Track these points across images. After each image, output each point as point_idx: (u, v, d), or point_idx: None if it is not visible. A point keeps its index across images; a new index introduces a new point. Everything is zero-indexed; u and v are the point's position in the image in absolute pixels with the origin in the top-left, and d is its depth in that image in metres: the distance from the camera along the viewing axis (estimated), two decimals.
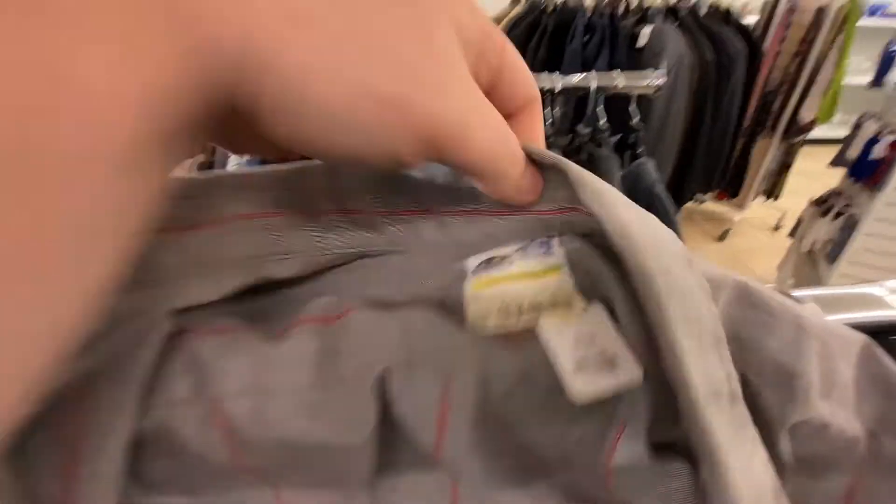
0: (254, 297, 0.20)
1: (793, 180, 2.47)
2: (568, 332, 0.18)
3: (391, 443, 0.19)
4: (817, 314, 0.19)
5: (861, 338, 0.19)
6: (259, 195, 0.19)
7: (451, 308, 0.19)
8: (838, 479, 0.19)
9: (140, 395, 0.16)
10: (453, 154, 0.15)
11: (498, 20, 1.71)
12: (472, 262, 0.20)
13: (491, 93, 0.18)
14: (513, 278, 0.19)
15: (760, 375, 0.18)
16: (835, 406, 0.18)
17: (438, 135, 0.14)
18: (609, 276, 0.18)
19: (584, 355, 0.17)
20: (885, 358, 0.18)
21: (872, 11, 3.15)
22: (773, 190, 2.48)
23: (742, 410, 0.15)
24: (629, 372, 0.17)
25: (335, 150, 0.14)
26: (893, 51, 1.76)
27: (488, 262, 0.20)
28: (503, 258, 0.20)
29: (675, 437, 0.18)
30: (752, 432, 0.15)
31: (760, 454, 0.15)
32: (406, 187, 0.20)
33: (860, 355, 0.18)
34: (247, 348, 0.17)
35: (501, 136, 0.17)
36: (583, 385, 0.17)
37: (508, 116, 0.18)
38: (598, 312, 0.18)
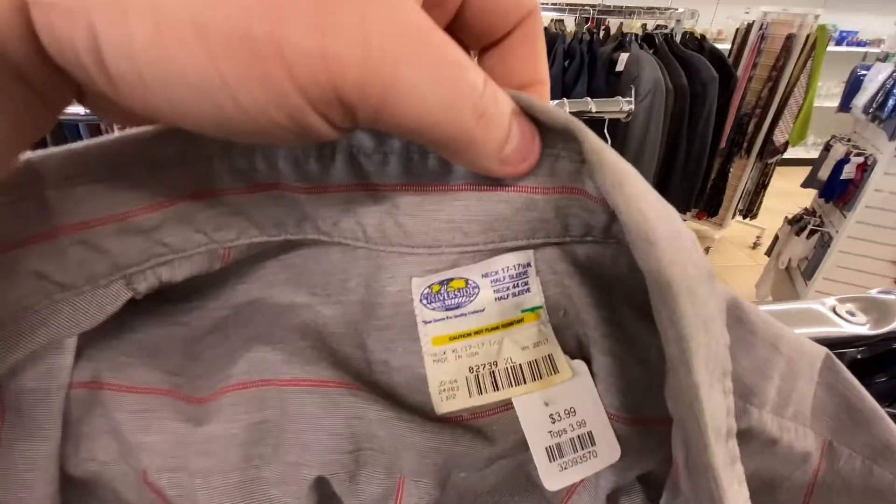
0: (164, 303, 0.17)
1: (770, 200, 2.54)
2: (545, 410, 0.16)
3: None
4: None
5: (823, 351, 0.19)
6: (126, 184, 0.14)
7: (390, 346, 0.17)
8: (791, 495, 0.19)
9: (58, 451, 0.15)
10: (378, 115, 0.10)
11: None
12: (419, 282, 0.16)
13: (461, 13, 0.13)
14: (483, 331, 0.17)
15: None
16: (786, 422, 0.18)
17: (341, 86, 0.10)
18: (590, 321, 0.16)
19: (559, 440, 0.16)
20: (844, 370, 0.18)
21: (841, 39, 3.30)
22: (750, 209, 2.54)
23: (734, 446, 0.14)
24: (606, 453, 0.16)
25: (208, 125, 0.10)
26: (859, 76, 1.83)
27: (444, 290, 0.16)
28: (466, 290, 0.16)
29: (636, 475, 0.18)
30: (739, 468, 0.14)
31: (745, 494, 0.14)
32: (340, 151, 0.15)
33: (821, 368, 0.18)
34: (166, 424, 0.16)
35: (455, 82, 0.11)
36: (556, 479, 0.16)
37: (490, 46, 0.13)
38: (580, 377, 0.17)
